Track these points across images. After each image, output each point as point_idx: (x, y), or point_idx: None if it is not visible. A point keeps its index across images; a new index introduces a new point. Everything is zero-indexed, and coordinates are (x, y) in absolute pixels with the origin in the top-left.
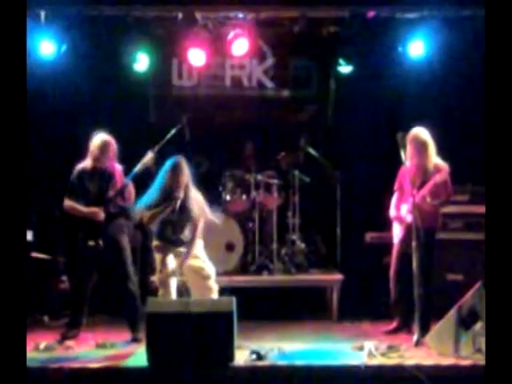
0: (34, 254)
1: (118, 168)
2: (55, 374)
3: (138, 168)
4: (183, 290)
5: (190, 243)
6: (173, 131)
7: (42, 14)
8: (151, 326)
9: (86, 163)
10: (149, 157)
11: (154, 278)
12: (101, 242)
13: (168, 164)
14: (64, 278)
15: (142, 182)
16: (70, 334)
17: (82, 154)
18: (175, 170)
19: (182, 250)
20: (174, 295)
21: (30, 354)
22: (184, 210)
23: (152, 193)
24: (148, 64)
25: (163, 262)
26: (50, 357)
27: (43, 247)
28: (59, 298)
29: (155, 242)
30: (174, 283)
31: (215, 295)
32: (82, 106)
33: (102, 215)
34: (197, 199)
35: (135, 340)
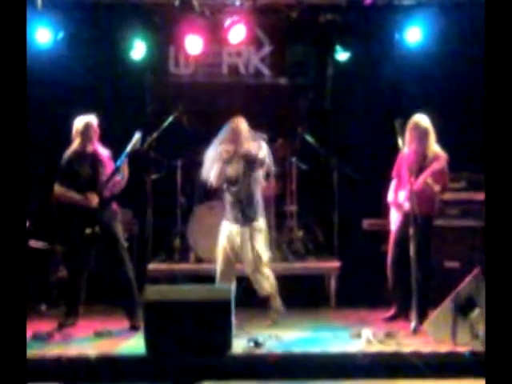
0: (32, 243)
1: (104, 151)
2: (53, 362)
3: (127, 150)
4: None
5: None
6: (170, 119)
7: (39, 1)
8: (149, 314)
9: (74, 147)
10: (136, 137)
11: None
12: (97, 229)
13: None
14: (61, 266)
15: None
16: (68, 323)
17: None
18: (232, 130)
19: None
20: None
21: (28, 342)
22: (247, 164)
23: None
24: (145, 51)
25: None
26: (48, 345)
27: (41, 236)
28: (57, 287)
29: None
30: (234, 271)
31: (271, 282)
32: (79, 93)
33: (95, 201)
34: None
35: (133, 328)
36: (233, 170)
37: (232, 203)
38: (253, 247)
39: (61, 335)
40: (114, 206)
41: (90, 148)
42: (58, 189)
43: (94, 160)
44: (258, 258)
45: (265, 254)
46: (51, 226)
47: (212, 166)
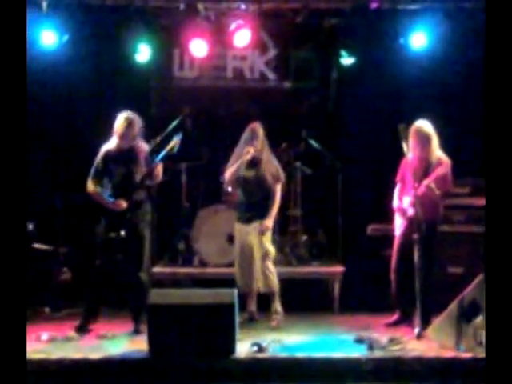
0: (35, 245)
1: (143, 147)
2: (56, 365)
3: (164, 152)
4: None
5: (270, 207)
6: (174, 122)
7: (44, 3)
8: (153, 318)
9: (111, 144)
10: (175, 140)
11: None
12: (122, 233)
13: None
14: (65, 269)
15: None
16: (88, 325)
17: (82, 144)
18: (250, 135)
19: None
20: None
21: (32, 345)
22: (259, 173)
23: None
24: (149, 55)
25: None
26: (51, 348)
27: (44, 238)
28: (60, 290)
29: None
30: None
31: (276, 280)
32: (83, 96)
33: (123, 206)
34: (272, 163)
35: (137, 331)
36: (247, 172)
37: (243, 203)
38: (262, 244)
39: (64, 338)
40: (147, 207)
41: (127, 144)
42: (90, 186)
43: (131, 158)
44: (266, 254)
45: (272, 250)
46: (54, 229)
47: (231, 166)
